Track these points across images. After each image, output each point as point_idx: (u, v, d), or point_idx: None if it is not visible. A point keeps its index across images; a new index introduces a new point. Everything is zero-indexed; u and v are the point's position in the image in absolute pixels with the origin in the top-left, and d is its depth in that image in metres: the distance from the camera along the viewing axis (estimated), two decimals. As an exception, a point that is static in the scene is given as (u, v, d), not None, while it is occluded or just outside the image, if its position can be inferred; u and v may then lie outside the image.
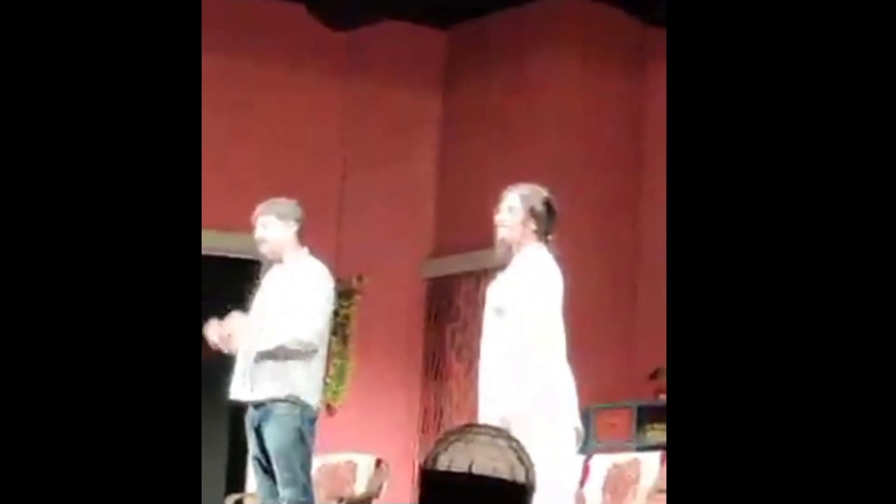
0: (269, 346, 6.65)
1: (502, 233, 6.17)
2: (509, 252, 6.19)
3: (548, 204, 6.19)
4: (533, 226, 6.14)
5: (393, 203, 10.63)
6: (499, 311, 6.07)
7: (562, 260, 6.08)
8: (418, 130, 10.85)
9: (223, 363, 7.33)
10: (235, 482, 9.76)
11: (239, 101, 10.15)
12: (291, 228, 6.89)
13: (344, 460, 9.22)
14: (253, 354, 6.71)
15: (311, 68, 10.45)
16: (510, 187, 6.21)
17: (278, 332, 6.66)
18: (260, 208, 6.94)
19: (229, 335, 6.71)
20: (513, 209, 6.15)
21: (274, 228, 6.87)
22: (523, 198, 6.16)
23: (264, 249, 6.93)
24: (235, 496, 9.17)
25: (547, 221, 6.17)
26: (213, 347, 6.75)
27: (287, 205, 6.96)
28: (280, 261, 6.91)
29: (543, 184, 6.29)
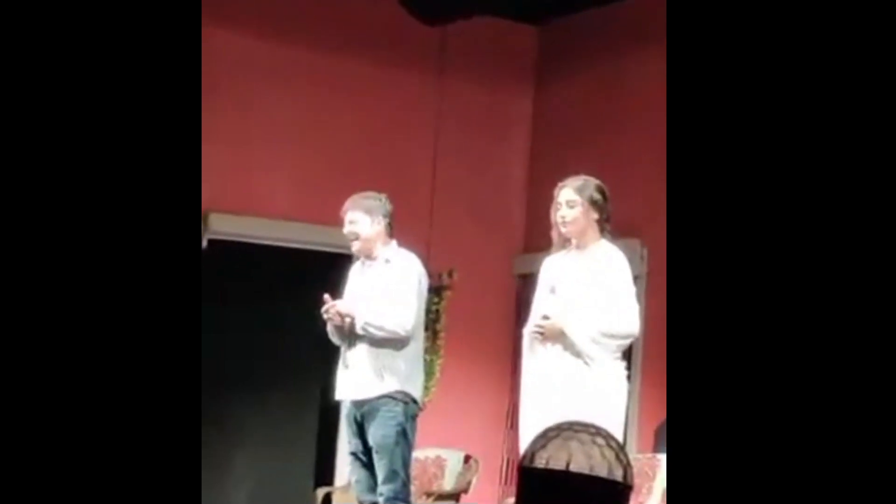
0: (361, 333, 6.70)
1: (567, 229, 6.13)
2: (569, 246, 6.17)
3: (602, 191, 6.16)
4: (595, 215, 6.11)
5: (484, 199, 10.65)
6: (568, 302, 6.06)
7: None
8: (509, 126, 10.85)
9: (310, 357, 7.37)
10: (325, 475, 9.82)
11: (331, 96, 10.20)
12: (380, 224, 6.88)
13: (433, 456, 9.25)
14: (358, 350, 6.74)
15: (403, 63, 10.48)
16: (559, 185, 6.18)
17: (369, 321, 6.69)
18: (347, 204, 6.94)
19: (351, 316, 6.74)
20: (572, 203, 6.11)
21: (362, 225, 6.87)
22: (579, 190, 6.12)
23: (356, 247, 6.94)
24: (325, 489, 9.22)
25: (606, 209, 6.15)
26: (335, 326, 6.80)
27: (374, 199, 6.94)
28: (370, 256, 6.92)
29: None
